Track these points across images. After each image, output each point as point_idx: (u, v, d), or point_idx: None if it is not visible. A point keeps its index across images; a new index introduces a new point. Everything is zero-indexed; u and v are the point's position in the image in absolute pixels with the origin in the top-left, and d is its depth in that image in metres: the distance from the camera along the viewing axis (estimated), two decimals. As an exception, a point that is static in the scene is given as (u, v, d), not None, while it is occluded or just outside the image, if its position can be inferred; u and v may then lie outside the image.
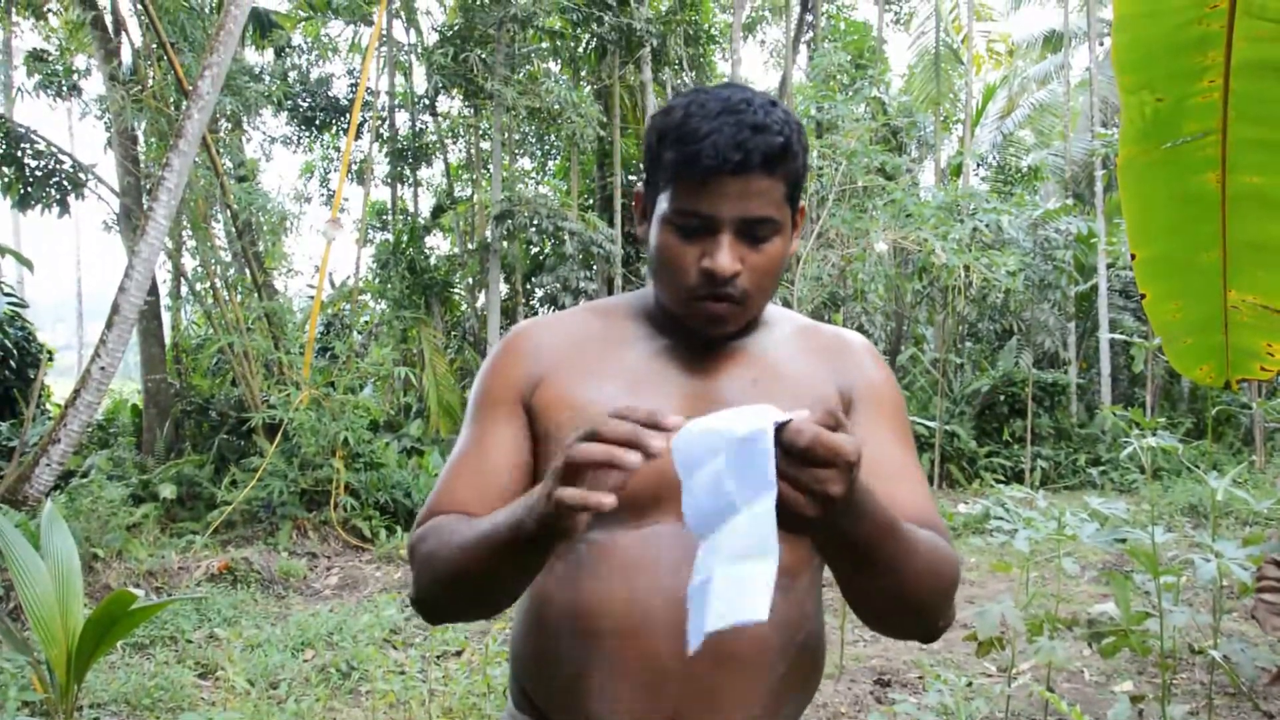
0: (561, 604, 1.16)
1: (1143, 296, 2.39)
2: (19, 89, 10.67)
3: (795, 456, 0.83)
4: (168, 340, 11.48)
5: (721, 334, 1.20)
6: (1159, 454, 3.63)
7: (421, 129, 14.57)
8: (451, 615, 1.15)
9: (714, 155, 1.07)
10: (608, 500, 0.87)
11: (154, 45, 9.13)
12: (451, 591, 1.10)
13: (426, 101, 14.21)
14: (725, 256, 1.11)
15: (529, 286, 14.50)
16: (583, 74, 14.62)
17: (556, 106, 11.72)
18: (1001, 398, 13.00)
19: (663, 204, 1.14)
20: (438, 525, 1.15)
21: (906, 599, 1.05)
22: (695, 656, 1.11)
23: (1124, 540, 3.35)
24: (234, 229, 9.75)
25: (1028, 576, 4.38)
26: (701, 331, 1.20)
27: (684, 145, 1.09)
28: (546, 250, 14.24)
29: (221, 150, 10.37)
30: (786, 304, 11.41)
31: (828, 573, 1.14)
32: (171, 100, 9.40)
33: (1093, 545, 3.49)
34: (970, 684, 4.11)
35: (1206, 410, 13.13)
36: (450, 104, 15.30)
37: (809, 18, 16.90)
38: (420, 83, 14.54)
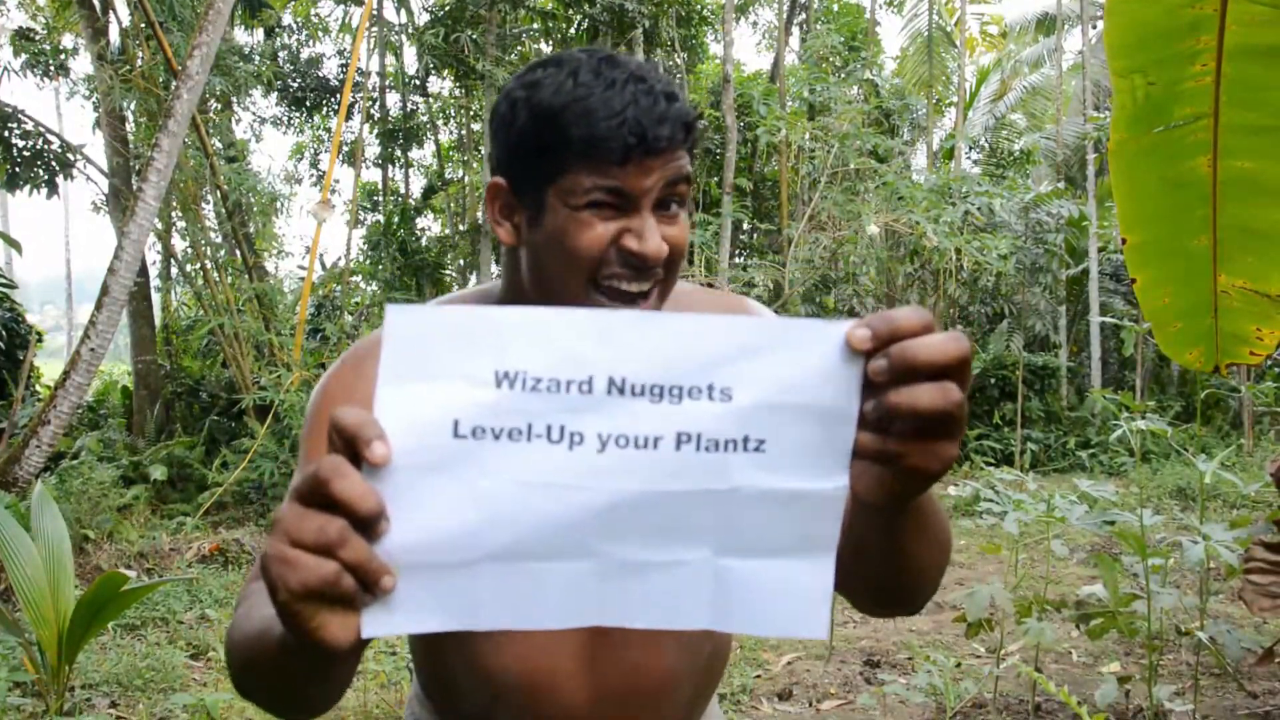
0: (458, 657, 1.08)
1: (1133, 281, 2.39)
2: (6, 68, 10.58)
3: (907, 379, 0.62)
4: (158, 322, 11.45)
5: None
6: (1148, 437, 3.65)
7: (412, 110, 14.49)
8: (266, 708, 0.89)
9: (639, 132, 0.92)
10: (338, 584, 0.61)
11: (142, 24, 9.05)
12: (245, 683, 0.87)
13: (417, 82, 14.14)
14: (655, 237, 0.95)
15: (520, 268, 14.46)
16: (574, 55, 14.54)
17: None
18: (992, 381, 13.03)
19: (566, 187, 0.96)
20: (254, 592, 0.91)
21: (943, 555, 0.90)
22: (603, 699, 1.05)
23: (1113, 523, 3.37)
24: (224, 210, 9.70)
25: (1017, 559, 4.40)
26: None
27: (595, 122, 0.92)
28: (538, 232, 14.20)
29: (211, 131, 10.31)
30: (779, 285, 11.42)
31: None
32: (160, 80, 9.32)
33: (1082, 528, 3.51)
34: (959, 665, 4.14)
35: (1196, 394, 13.17)
36: (441, 85, 15.23)
37: (801, 0, 16.84)
38: (411, 63, 14.48)
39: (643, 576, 0.66)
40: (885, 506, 0.71)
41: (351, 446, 0.61)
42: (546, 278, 1.00)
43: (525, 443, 0.63)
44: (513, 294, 1.07)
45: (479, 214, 12.48)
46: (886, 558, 0.82)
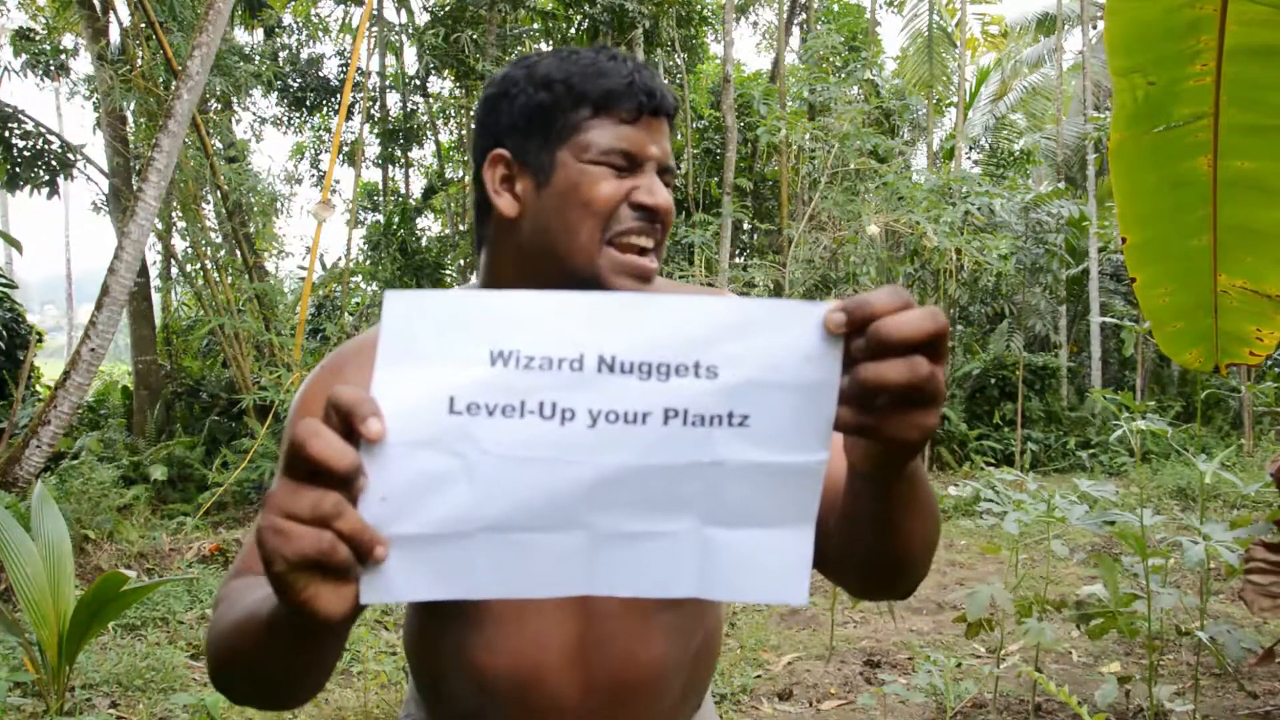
0: (446, 650, 1.10)
1: (1133, 281, 2.39)
2: (6, 68, 10.58)
3: (877, 355, 0.64)
4: (158, 322, 11.45)
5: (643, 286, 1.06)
6: (1148, 437, 3.65)
7: (413, 110, 14.50)
8: (243, 701, 0.90)
9: (647, 94, 1.02)
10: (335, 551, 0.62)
11: (142, 24, 9.06)
12: (228, 674, 0.87)
13: (417, 82, 14.14)
14: (663, 191, 1.03)
15: (520, 268, 14.48)
16: (575, 55, 14.55)
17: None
18: (992, 381, 13.03)
19: (581, 145, 1.01)
20: (233, 589, 0.95)
21: (933, 532, 0.91)
22: (594, 692, 1.06)
23: (1113, 523, 3.37)
24: (224, 210, 9.70)
25: (1017, 559, 4.40)
26: (618, 287, 1.03)
27: (610, 80, 1.01)
28: (538, 232, 14.22)
29: (211, 131, 10.31)
30: (779, 285, 11.41)
31: None
32: (160, 80, 9.33)
33: (1082, 528, 3.51)
34: (959, 665, 4.14)
35: (1196, 394, 13.17)
36: (441, 85, 15.24)
37: (801, 0, 16.83)
38: (411, 63, 14.49)
39: (631, 547, 0.68)
40: (876, 475, 0.75)
41: (348, 423, 0.63)
42: (557, 235, 1.02)
43: (518, 419, 0.64)
44: (494, 281, 1.10)
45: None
46: (878, 528, 0.84)
